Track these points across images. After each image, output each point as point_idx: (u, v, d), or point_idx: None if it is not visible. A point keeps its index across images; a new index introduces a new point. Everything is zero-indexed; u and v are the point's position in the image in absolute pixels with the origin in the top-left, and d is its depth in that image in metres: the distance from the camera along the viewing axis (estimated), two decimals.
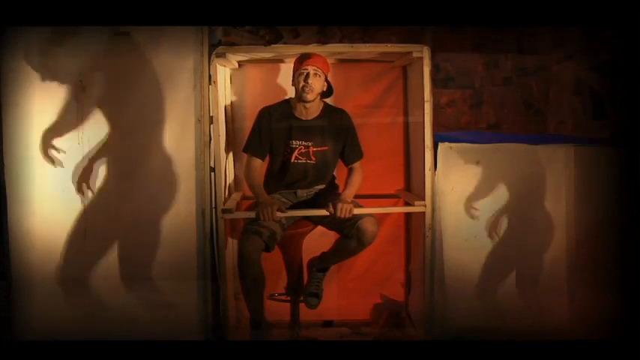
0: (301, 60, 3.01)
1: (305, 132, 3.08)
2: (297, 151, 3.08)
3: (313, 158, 3.09)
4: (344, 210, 2.89)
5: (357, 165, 3.17)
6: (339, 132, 3.11)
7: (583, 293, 3.19)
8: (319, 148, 3.09)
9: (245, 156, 3.12)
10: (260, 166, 3.11)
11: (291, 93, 3.16)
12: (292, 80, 3.05)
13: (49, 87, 2.92)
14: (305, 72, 2.98)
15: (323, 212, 2.98)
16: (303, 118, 3.08)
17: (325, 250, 3.16)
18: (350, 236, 2.95)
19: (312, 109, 3.08)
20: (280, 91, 3.47)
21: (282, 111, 3.10)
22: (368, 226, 2.90)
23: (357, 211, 2.94)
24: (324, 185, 3.20)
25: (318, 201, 3.11)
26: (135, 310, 2.99)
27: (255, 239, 2.91)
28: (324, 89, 3.07)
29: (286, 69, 3.10)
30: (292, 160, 3.08)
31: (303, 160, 3.09)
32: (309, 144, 3.08)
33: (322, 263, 3.18)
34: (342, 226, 2.98)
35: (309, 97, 3.00)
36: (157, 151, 2.98)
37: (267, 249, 2.97)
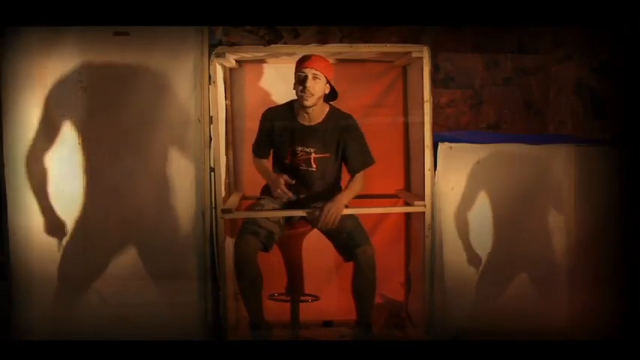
0: (300, 62, 2.94)
1: (306, 137, 3.00)
2: (297, 157, 3.02)
3: (314, 165, 3.02)
4: (331, 211, 2.86)
5: (359, 175, 3.05)
6: (342, 138, 3.02)
7: (583, 293, 3.19)
8: (321, 155, 3.02)
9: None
10: (266, 162, 3.14)
11: (291, 93, 3.15)
12: (294, 84, 3.00)
13: (49, 87, 2.92)
14: (302, 75, 2.90)
15: None
16: (306, 124, 3.01)
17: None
18: (347, 259, 2.95)
19: (314, 114, 3.00)
20: (280, 91, 3.46)
21: (285, 114, 3.05)
22: (368, 252, 2.91)
23: (346, 210, 2.94)
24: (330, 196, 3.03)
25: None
26: (135, 310, 2.99)
27: (251, 239, 2.90)
28: (327, 92, 2.98)
29: (286, 69, 3.09)
30: (293, 165, 3.03)
31: (304, 167, 3.03)
32: (311, 150, 3.02)
33: (363, 320, 3.02)
34: (337, 239, 2.98)
35: (308, 102, 2.92)
36: (157, 151, 2.97)
37: (265, 249, 2.96)
